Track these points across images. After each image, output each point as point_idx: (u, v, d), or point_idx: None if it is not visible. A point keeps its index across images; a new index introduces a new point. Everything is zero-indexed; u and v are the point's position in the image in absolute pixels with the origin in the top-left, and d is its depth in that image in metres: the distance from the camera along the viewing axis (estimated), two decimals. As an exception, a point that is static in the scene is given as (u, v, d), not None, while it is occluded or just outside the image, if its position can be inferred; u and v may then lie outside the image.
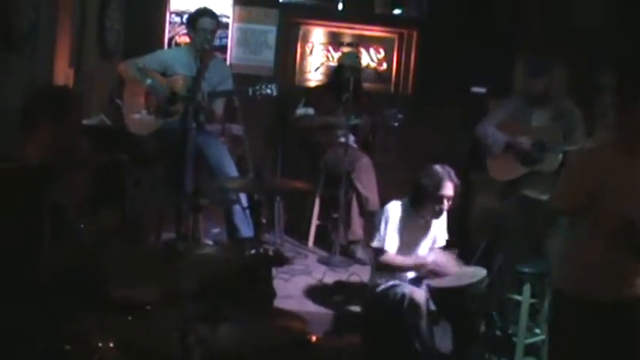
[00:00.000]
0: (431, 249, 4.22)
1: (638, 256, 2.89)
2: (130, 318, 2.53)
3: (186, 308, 2.26)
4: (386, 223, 4.06)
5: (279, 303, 3.92)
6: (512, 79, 5.94)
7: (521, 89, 5.23)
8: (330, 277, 5.07)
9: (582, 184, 2.99)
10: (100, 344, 2.41)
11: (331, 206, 5.73)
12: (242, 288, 3.01)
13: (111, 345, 2.41)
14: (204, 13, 5.16)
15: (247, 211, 4.85)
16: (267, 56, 6.78)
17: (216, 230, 5.32)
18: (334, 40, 6.88)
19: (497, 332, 4.07)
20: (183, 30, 6.43)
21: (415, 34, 6.87)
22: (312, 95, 6.04)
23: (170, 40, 6.72)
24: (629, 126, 2.93)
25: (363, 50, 6.83)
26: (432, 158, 4.26)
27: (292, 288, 4.85)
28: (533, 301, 4.17)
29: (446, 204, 4.05)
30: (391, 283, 4.02)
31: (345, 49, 6.72)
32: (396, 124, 5.64)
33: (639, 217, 2.82)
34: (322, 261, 5.45)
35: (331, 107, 5.73)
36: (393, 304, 3.91)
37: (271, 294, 3.78)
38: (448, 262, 4.09)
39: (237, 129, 5.71)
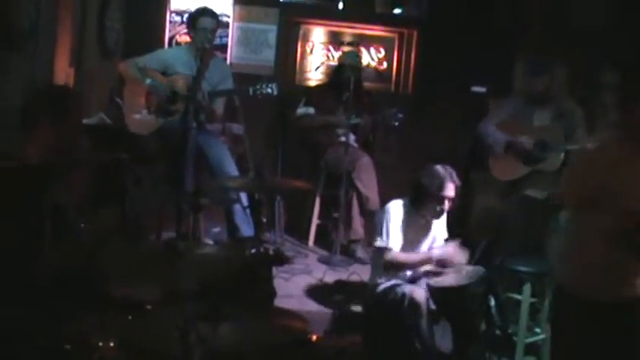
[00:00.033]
0: (430, 249, 4.21)
1: (638, 256, 2.89)
2: (130, 317, 2.52)
3: (186, 307, 2.25)
4: (388, 222, 4.06)
5: (279, 302, 3.92)
6: (513, 79, 5.95)
7: (521, 89, 5.23)
8: (330, 277, 5.07)
9: (584, 183, 2.99)
10: (101, 344, 2.41)
11: (331, 205, 5.74)
12: (242, 287, 3.01)
13: (111, 344, 2.41)
14: (205, 12, 5.16)
15: (248, 211, 4.85)
16: (268, 55, 6.78)
17: (216, 229, 5.32)
18: (335, 40, 6.88)
19: (498, 331, 4.06)
20: (183, 29, 6.43)
21: (415, 33, 6.87)
22: (312, 94, 6.04)
23: (170, 39, 6.72)
24: (630, 126, 2.94)
25: (363, 49, 6.82)
26: (432, 158, 4.26)
27: (293, 287, 4.86)
28: (533, 300, 4.17)
29: (447, 204, 4.05)
30: (391, 282, 4.02)
31: (346, 49, 6.71)
32: (397, 124, 5.65)
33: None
34: (323, 260, 5.46)
35: (332, 106, 5.73)
36: (394, 303, 3.91)
37: (272, 293, 3.78)
38: (455, 251, 4.09)
39: (237, 128, 5.70)
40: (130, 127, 5.14)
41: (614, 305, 2.91)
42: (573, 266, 3.04)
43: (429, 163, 4.13)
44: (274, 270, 4.08)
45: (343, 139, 5.54)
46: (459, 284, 3.92)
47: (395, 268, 4.06)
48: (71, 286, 2.67)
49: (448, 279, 3.99)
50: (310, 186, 5.13)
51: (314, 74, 6.89)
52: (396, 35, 6.92)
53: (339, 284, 4.97)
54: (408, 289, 3.91)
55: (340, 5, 6.94)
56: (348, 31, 6.89)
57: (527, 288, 4.11)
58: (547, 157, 4.75)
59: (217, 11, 5.43)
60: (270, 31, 6.76)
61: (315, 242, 5.81)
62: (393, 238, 4.04)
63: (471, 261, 4.25)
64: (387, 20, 6.95)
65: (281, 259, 4.14)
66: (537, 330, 4.25)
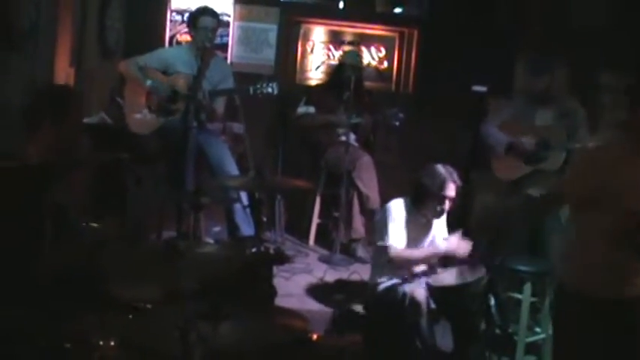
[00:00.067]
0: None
1: (639, 256, 2.89)
2: (130, 317, 2.53)
3: (187, 307, 2.25)
4: (390, 221, 4.05)
5: (279, 301, 3.91)
6: (513, 78, 5.94)
7: (522, 88, 5.23)
8: (330, 276, 5.07)
9: (585, 183, 2.99)
10: (101, 343, 2.42)
11: (332, 205, 5.74)
12: (243, 286, 3.01)
13: (112, 344, 2.41)
14: (205, 11, 5.16)
15: (248, 210, 4.85)
16: (268, 55, 6.78)
17: (216, 229, 5.33)
18: (335, 39, 6.88)
19: (498, 331, 4.06)
20: (184, 28, 6.43)
21: (416, 32, 6.87)
22: (312, 94, 6.04)
23: (171, 38, 6.72)
24: (634, 127, 2.94)
25: (363, 49, 6.81)
26: (432, 157, 4.25)
27: (293, 286, 4.86)
28: (533, 299, 4.17)
29: (447, 204, 4.05)
30: (392, 281, 4.02)
31: (346, 48, 6.70)
32: (397, 123, 5.65)
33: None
34: (323, 259, 5.46)
35: (332, 106, 5.73)
36: (394, 302, 3.91)
37: (272, 292, 3.78)
38: (458, 244, 4.08)
39: (237, 127, 5.71)
40: (131, 126, 5.13)
41: (616, 303, 2.91)
42: (575, 266, 3.05)
43: (430, 162, 4.13)
44: (275, 269, 4.08)
45: (344, 138, 5.54)
46: (459, 284, 3.92)
47: (400, 264, 4.06)
48: (72, 285, 2.67)
49: (448, 278, 3.99)
50: (311, 185, 5.12)
51: (314, 73, 6.88)
52: (396, 35, 6.91)
53: (340, 283, 4.97)
54: (408, 288, 3.91)
55: (341, 4, 6.94)
56: (349, 30, 6.88)
57: (527, 287, 4.11)
58: (549, 157, 4.75)
59: (218, 10, 5.42)
60: (271, 31, 6.76)
61: (316, 241, 5.81)
62: (394, 236, 4.03)
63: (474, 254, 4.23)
64: (387, 19, 6.94)
65: (281, 259, 4.14)
66: (538, 329, 4.25)
